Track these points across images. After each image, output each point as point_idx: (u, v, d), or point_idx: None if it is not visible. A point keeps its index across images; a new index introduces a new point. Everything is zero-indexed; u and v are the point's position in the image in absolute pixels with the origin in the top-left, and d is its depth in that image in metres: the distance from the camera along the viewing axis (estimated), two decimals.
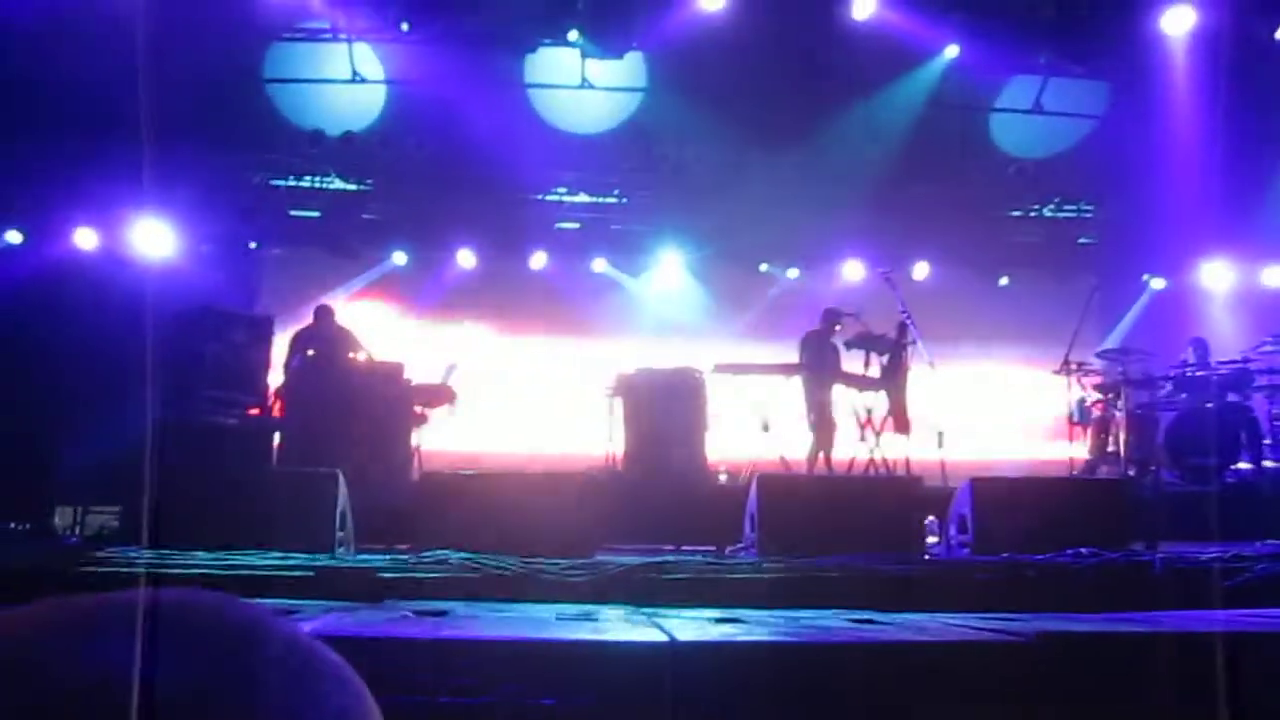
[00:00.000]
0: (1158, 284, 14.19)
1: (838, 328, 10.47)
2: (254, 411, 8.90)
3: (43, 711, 0.59)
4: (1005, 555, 6.08)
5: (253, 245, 13.90)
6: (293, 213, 13.92)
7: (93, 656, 0.61)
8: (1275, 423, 10.32)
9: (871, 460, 9.75)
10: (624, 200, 14.56)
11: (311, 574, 4.87)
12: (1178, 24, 11.18)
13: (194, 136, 10.96)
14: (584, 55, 12.08)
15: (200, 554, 5.19)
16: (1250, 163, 11.91)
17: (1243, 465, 10.04)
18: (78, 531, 7.36)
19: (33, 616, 0.64)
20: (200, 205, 12.26)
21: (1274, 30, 11.19)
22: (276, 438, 8.77)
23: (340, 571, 5.06)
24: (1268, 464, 10.06)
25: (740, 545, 6.72)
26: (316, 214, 13.92)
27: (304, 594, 4.71)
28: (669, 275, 14.80)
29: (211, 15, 10.68)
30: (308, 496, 6.01)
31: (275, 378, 9.51)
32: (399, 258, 14.39)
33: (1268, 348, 10.44)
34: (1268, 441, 10.23)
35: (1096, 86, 12.67)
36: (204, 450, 8.15)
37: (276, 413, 9.16)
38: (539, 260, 14.49)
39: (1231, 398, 10.24)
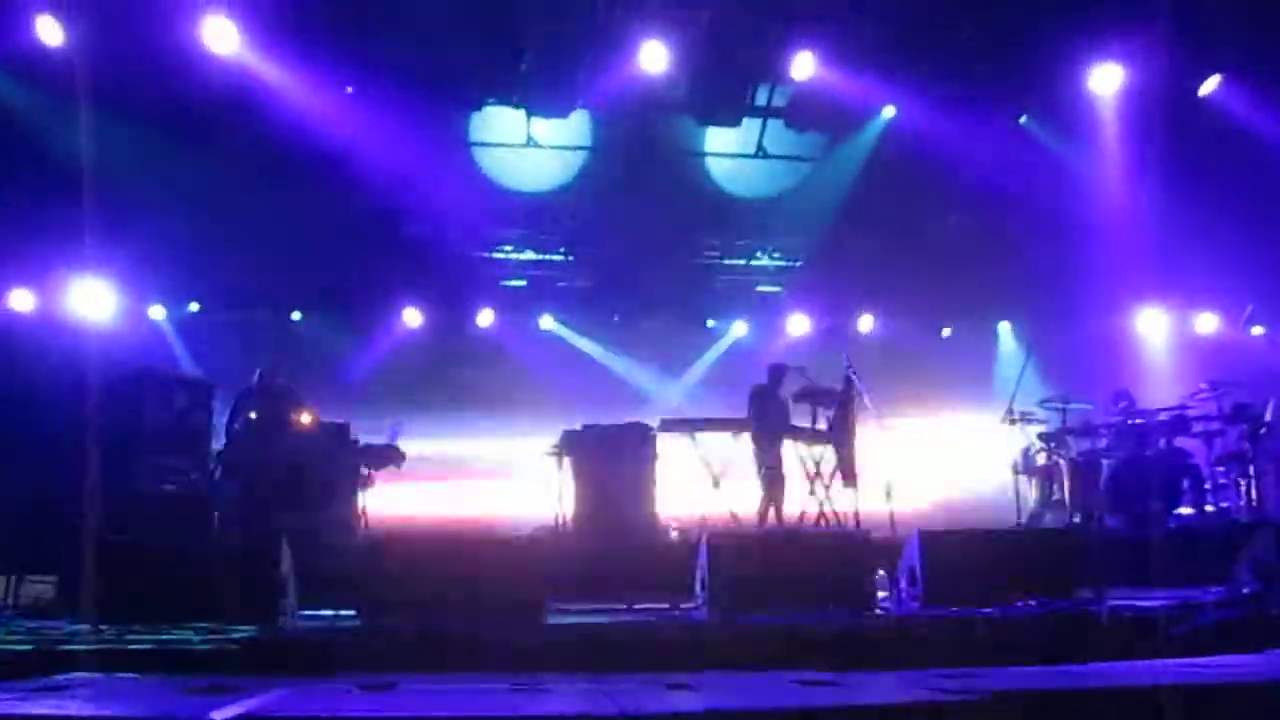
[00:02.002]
0: (1093, 331, 14.47)
1: (784, 381, 10.52)
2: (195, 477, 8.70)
3: None
4: (956, 609, 6.10)
5: (195, 307, 13.72)
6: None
7: None
8: (1214, 468, 10.51)
9: (821, 513, 9.76)
10: (570, 258, 14.59)
11: (255, 648, 4.75)
12: (1106, 82, 11.51)
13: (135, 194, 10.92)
14: (529, 114, 12.15)
15: (137, 629, 5.05)
16: (1181, 214, 12.24)
17: (1185, 510, 10.20)
18: (10, 600, 7.12)
19: None
20: (142, 265, 12.11)
21: (1199, 88, 11.57)
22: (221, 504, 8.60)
23: (285, 643, 4.93)
24: (1209, 509, 10.22)
25: (691, 605, 6.67)
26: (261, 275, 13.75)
27: (248, 668, 4.59)
28: (617, 331, 14.82)
29: (150, 78, 10.63)
30: (251, 564, 5.88)
31: (219, 442, 9.33)
32: (344, 316, 14.27)
33: (1204, 394, 10.65)
34: (1208, 486, 10.41)
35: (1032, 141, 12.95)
36: (144, 517, 7.96)
37: (220, 478, 8.97)
38: (486, 318, 14.44)
39: (1171, 444, 10.42)
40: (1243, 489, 10.40)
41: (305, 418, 9.56)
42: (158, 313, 13.57)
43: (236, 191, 12.51)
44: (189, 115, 11.43)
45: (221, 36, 10.36)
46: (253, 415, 9.15)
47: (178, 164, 11.76)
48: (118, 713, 3.11)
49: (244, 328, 13.58)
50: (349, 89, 11.42)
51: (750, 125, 12.81)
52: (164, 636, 4.82)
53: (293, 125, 11.62)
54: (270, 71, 11.13)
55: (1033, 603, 6.21)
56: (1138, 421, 10.54)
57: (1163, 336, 14.55)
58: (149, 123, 11.12)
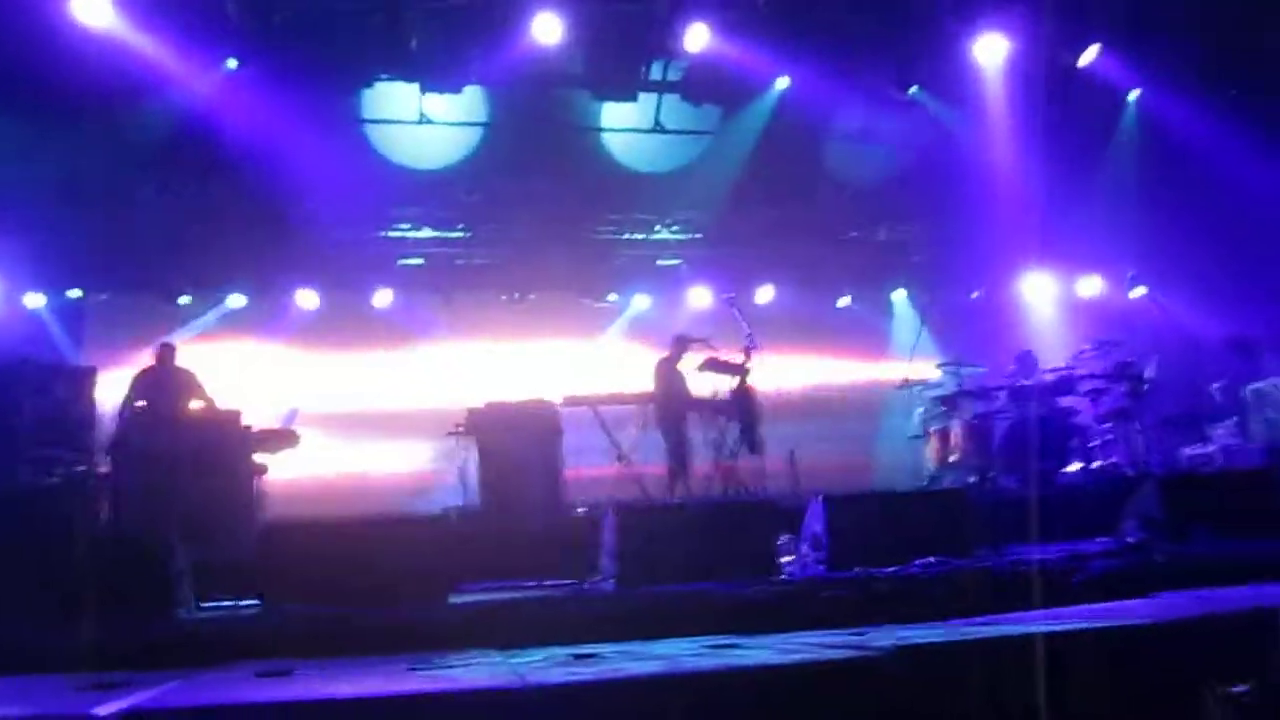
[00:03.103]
0: (983, 296, 14.86)
1: (687, 354, 10.57)
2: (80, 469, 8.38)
3: None
4: (857, 570, 6.21)
5: (76, 294, 13.19)
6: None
7: None
8: (1100, 425, 10.90)
9: (727, 482, 9.86)
10: (468, 235, 14.42)
11: (150, 642, 4.59)
12: (991, 52, 11.74)
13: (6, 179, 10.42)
14: (421, 90, 11.91)
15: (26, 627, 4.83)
16: (1064, 181, 12.61)
17: (1074, 467, 10.56)
18: None
19: None
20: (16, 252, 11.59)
21: (1078, 59, 11.87)
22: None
23: (181, 636, 4.78)
24: (1096, 464, 10.60)
25: (599, 578, 6.67)
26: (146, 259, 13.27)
27: (143, 663, 4.43)
28: (518, 307, 14.72)
29: (17, 54, 10.13)
30: (142, 556, 5.68)
31: (107, 430, 9.00)
32: (235, 300, 13.89)
33: (1088, 354, 11.02)
34: (1095, 443, 10.80)
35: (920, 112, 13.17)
36: (28, 513, 7.64)
37: (108, 467, 8.65)
38: (383, 298, 14.22)
39: (1058, 404, 10.76)
40: (1127, 444, 10.82)
41: (198, 403, 9.28)
42: (35, 300, 13.02)
43: (117, 174, 12.03)
44: (61, 94, 10.90)
45: (93, 8, 9.91)
46: (139, 404, 8.84)
47: (51, 147, 11.23)
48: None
49: (129, 312, 13.11)
50: (233, 63, 11.03)
51: (647, 99, 12.75)
52: (53, 634, 4.62)
53: (175, 103, 11.20)
54: (149, 46, 10.68)
55: (933, 561, 6.36)
56: (1026, 383, 10.86)
57: (1049, 300, 15.00)
58: (17, 103, 10.61)
